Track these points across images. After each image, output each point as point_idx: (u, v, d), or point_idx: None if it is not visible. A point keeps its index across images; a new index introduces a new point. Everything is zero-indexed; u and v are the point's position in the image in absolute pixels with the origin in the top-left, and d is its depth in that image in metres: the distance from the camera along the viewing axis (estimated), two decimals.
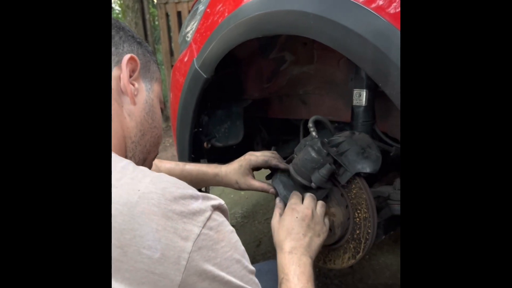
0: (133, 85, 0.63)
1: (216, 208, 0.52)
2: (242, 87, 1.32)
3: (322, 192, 0.89)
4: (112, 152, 0.55)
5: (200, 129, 1.28)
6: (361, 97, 0.95)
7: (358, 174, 0.85)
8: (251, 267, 0.56)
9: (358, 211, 0.86)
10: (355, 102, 0.97)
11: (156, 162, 1.02)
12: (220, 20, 1.09)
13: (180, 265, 0.47)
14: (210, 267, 0.49)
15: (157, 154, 0.73)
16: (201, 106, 1.20)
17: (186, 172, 1.04)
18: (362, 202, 0.85)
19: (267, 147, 1.44)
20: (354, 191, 0.87)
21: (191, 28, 1.31)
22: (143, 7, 4.43)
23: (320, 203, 0.86)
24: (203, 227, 0.49)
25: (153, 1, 5.70)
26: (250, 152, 1.01)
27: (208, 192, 1.16)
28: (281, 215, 0.84)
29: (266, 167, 1.01)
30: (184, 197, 0.49)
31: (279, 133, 1.48)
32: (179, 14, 4.13)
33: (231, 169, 1.00)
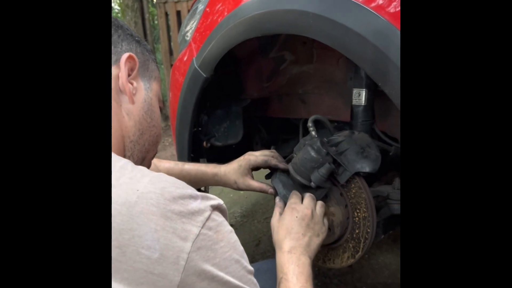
0: (132, 84, 0.63)
1: (215, 208, 0.52)
2: (241, 86, 1.32)
3: (322, 192, 0.89)
4: None
5: (200, 129, 1.28)
6: (360, 96, 0.95)
7: (357, 174, 0.85)
8: (250, 267, 0.56)
9: (358, 211, 0.87)
10: (354, 102, 0.97)
11: (155, 161, 1.02)
12: (219, 19, 1.08)
13: (179, 265, 0.47)
14: (209, 267, 0.49)
15: (156, 153, 0.73)
16: (200, 105, 1.20)
17: (185, 171, 1.04)
18: (362, 202, 0.85)
19: (266, 147, 1.44)
20: (353, 191, 0.87)
21: (190, 27, 1.31)
22: (142, 6, 4.43)
23: (319, 203, 0.86)
24: (202, 227, 0.49)
25: (152, 0, 5.70)
26: (250, 152, 1.01)
27: (208, 192, 1.16)
28: (281, 214, 0.84)
29: (265, 167, 1.01)
30: (183, 197, 0.49)
31: (278, 133, 1.48)
32: (178, 13, 4.13)
33: (230, 169, 1.00)
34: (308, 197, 0.85)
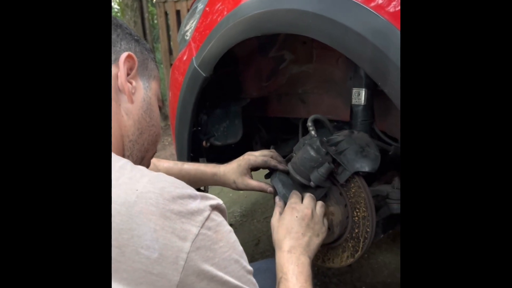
0: (131, 83, 0.62)
1: (215, 208, 0.52)
2: (241, 86, 1.32)
3: (321, 191, 0.89)
4: None
5: (199, 128, 1.28)
6: (360, 96, 0.95)
7: (357, 173, 0.85)
8: (249, 267, 0.56)
9: (357, 210, 0.87)
10: (354, 101, 0.97)
11: (155, 161, 1.02)
12: (219, 19, 1.08)
13: (178, 265, 0.46)
14: (208, 267, 0.49)
15: (155, 152, 0.73)
16: (200, 105, 1.20)
17: (184, 171, 1.04)
18: (361, 201, 0.85)
19: (266, 146, 1.44)
20: (353, 190, 0.87)
21: (190, 26, 1.31)
22: (142, 6, 4.42)
23: (319, 203, 0.86)
24: (201, 227, 0.49)
25: (152, 0, 5.69)
26: (249, 152, 1.01)
27: (207, 192, 1.16)
28: (281, 213, 0.84)
29: (264, 168, 1.01)
30: (183, 197, 0.49)
31: (278, 132, 1.48)
32: (178, 12, 4.13)
33: (229, 169, 1.00)
34: (308, 197, 0.85)
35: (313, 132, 0.89)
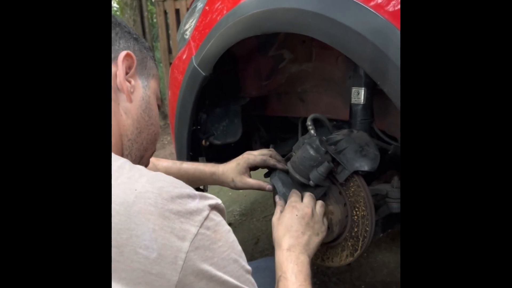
0: (130, 82, 0.62)
1: (213, 207, 0.52)
2: (240, 85, 1.32)
3: (320, 190, 0.89)
4: None
5: (199, 127, 1.28)
6: (359, 95, 0.95)
7: (356, 172, 0.85)
8: (248, 267, 0.55)
9: (356, 209, 0.87)
10: (353, 100, 0.97)
11: (153, 160, 1.02)
12: (218, 18, 1.08)
13: (177, 265, 0.46)
14: (207, 267, 0.49)
15: (154, 151, 0.72)
16: (199, 104, 1.20)
17: (183, 170, 1.04)
18: (360, 200, 0.86)
19: (265, 145, 1.44)
20: (352, 189, 0.87)
21: (189, 25, 1.31)
22: (141, 5, 4.42)
23: (319, 202, 0.86)
24: (200, 227, 0.49)
25: None
26: (248, 152, 1.02)
27: (206, 191, 1.16)
28: (282, 213, 0.84)
29: (263, 167, 1.01)
30: (181, 197, 0.49)
31: (277, 131, 1.48)
32: (177, 11, 4.12)
33: (228, 168, 1.01)
34: (308, 196, 0.85)
35: (312, 131, 0.89)
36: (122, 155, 0.63)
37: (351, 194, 0.87)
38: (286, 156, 1.02)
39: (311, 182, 0.86)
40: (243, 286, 0.52)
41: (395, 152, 0.95)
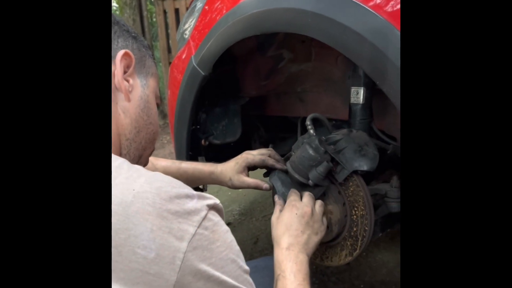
0: (128, 81, 0.62)
1: (212, 207, 0.52)
2: (239, 84, 1.32)
3: (320, 190, 0.89)
4: None
5: (198, 127, 1.28)
6: (358, 95, 0.96)
7: (355, 172, 0.85)
8: (246, 267, 0.55)
9: (355, 209, 0.87)
10: (352, 100, 0.97)
11: (152, 160, 1.02)
12: (218, 18, 1.08)
13: (175, 265, 0.46)
14: (205, 267, 0.49)
15: (153, 150, 0.72)
16: (198, 103, 1.20)
17: (182, 170, 1.04)
18: (359, 200, 0.86)
19: (264, 145, 1.44)
20: (351, 189, 0.87)
21: (189, 25, 1.31)
22: (140, 4, 4.41)
23: (319, 202, 0.86)
24: (198, 227, 0.48)
25: None
26: (247, 151, 1.02)
27: (206, 190, 1.16)
28: (281, 211, 0.84)
29: (262, 167, 1.01)
30: (180, 197, 0.49)
31: (276, 131, 1.48)
32: (176, 11, 4.12)
33: (226, 167, 1.01)
34: (307, 195, 0.85)
35: (311, 131, 0.89)
36: (120, 154, 0.62)
37: (350, 193, 0.87)
38: (285, 156, 1.02)
39: (310, 182, 0.86)
40: (241, 286, 0.52)
41: (394, 151, 0.95)
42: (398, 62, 0.67)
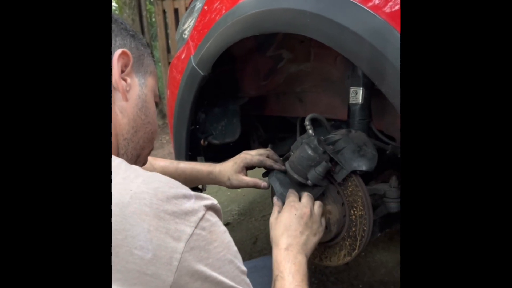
0: (125, 80, 0.61)
1: (209, 208, 0.51)
2: (239, 84, 1.32)
3: (319, 190, 0.89)
4: None
5: (197, 127, 1.28)
6: (357, 95, 0.96)
7: (354, 172, 0.86)
8: (243, 268, 0.55)
9: (354, 209, 0.87)
10: (351, 100, 0.97)
11: (150, 160, 1.02)
12: (217, 18, 1.08)
13: (172, 266, 0.46)
14: (202, 268, 0.48)
15: (152, 149, 0.71)
16: (198, 103, 1.20)
17: (180, 170, 1.04)
18: (358, 200, 0.86)
19: (263, 145, 1.44)
20: (350, 189, 0.87)
21: (188, 25, 1.31)
22: (140, 4, 4.41)
23: (317, 202, 0.86)
24: (195, 227, 0.48)
25: None
26: (246, 151, 1.02)
27: (205, 190, 1.16)
28: (279, 213, 0.84)
29: (260, 167, 1.01)
30: (177, 197, 0.49)
31: (275, 131, 1.48)
32: (176, 11, 4.12)
33: (224, 167, 1.01)
34: (306, 196, 0.85)
35: (310, 131, 0.90)
36: (117, 154, 0.62)
37: (349, 193, 0.87)
38: (284, 156, 1.02)
39: (309, 182, 0.86)
40: (238, 286, 0.52)
41: (393, 152, 0.96)
42: (397, 63, 0.67)
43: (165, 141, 3.99)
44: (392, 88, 0.70)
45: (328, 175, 0.88)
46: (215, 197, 0.54)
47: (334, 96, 1.17)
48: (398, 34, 0.67)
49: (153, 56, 0.70)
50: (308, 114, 0.95)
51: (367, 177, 0.92)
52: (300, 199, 0.86)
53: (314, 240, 0.80)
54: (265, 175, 1.03)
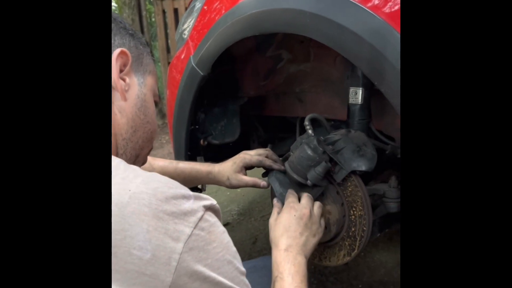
0: (124, 80, 0.61)
1: (208, 208, 0.51)
2: (238, 84, 1.32)
3: (318, 190, 0.89)
4: None
5: (197, 127, 1.28)
6: (357, 95, 0.96)
7: (353, 172, 0.86)
8: (242, 268, 0.55)
9: (354, 209, 0.87)
10: (351, 100, 0.97)
11: (150, 160, 1.02)
12: (217, 18, 1.08)
13: (170, 266, 0.46)
14: (201, 268, 0.48)
15: (151, 148, 0.71)
16: (197, 103, 1.20)
17: (179, 170, 1.04)
18: (358, 200, 0.86)
19: (263, 145, 1.44)
20: (349, 189, 0.87)
21: (188, 25, 1.31)
22: (139, 4, 4.41)
23: (317, 203, 0.86)
24: (194, 228, 0.48)
25: None
26: (245, 151, 1.02)
27: (204, 190, 1.16)
28: (279, 214, 0.84)
29: (259, 167, 1.01)
30: (176, 197, 0.49)
31: (275, 131, 1.48)
32: (175, 11, 4.12)
33: (224, 167, 1.01)
34: (306, 197, 0.85)
35: (310, 131, 0.90)
36: (116, 154, 0.62)
37: (348, 194, 0.87)
38: (284, 156, 1.02)
39: (308, 182, 0.86)
40: (237, 287, 0.52)
41: (393, 152, 0.96)
42: (396, 63, 0.67)
43: (164, 141, 3.99)
44: (391, 88, 0.70)
45: (328, 175, 0.88)
46: (214, 197, 0.54)
47: (334, 96, 1.17)
48: (398, 35, 0.67)
49: (152, 56, 0.70)
50: (308, 114, 0.95)
51: (366, 177, 0.92)
52: (299, 199, 0.86)
53: (313, 241, 0.80)
54: (264, 175, 1.03)
